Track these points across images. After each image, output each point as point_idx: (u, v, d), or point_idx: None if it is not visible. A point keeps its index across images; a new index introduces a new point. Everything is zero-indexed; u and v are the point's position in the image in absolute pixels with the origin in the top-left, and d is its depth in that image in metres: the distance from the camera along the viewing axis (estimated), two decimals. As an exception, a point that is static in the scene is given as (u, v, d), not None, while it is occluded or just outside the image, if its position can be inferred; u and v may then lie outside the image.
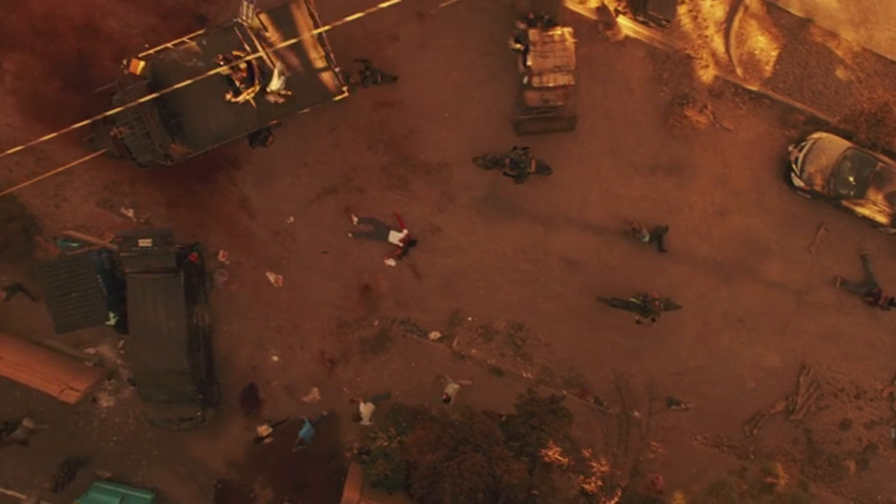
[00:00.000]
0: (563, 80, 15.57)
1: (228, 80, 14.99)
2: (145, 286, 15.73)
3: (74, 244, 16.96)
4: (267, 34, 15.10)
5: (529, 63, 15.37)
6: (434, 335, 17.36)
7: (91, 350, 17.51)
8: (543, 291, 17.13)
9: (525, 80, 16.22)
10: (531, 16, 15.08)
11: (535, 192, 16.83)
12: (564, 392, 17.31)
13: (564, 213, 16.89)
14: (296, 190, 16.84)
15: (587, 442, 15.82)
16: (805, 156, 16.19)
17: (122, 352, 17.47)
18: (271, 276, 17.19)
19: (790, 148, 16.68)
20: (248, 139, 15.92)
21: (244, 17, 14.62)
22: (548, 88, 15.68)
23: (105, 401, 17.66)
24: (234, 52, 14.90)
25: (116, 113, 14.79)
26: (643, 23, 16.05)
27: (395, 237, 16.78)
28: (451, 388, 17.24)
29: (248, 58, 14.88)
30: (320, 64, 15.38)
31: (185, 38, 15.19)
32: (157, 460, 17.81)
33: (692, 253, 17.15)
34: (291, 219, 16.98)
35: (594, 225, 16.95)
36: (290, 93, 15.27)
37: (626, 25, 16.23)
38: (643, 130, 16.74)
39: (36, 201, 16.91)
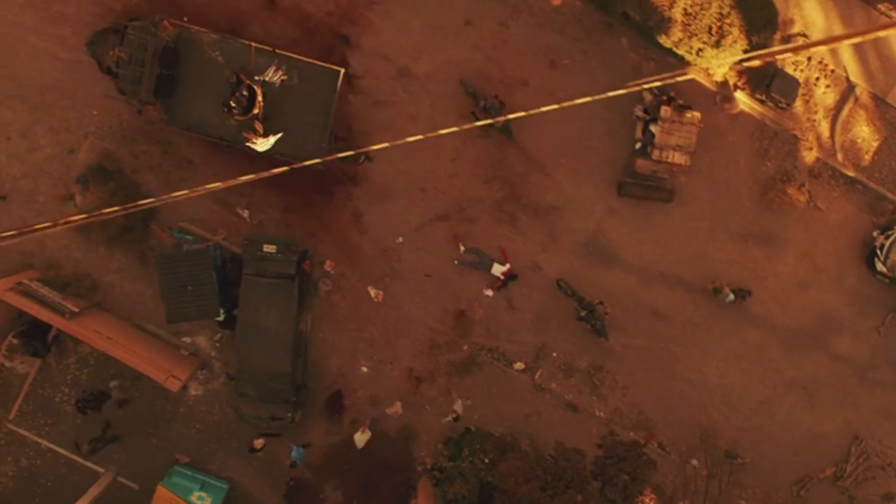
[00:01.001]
0: (680, 159, 16.51)
1: (231, 92, 15.65)
2: (261, 289, 16.32)
3: (189, 237, 17.48)
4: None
5: (654, 135, 16.24)
6: (519, 366, 18.19)
7: (187, 339, 18.07)
8: (625, 336, 18.03)
9: (638, 145, 17.11)
10: (671, 94, 15.95)
11: (633, 244, 17.78)
12: (632, 434, 18.36)
13: (658, 268, 17.82)
14: (409, 212, 17.54)
15: (659, 486, 16.84)
16: (891, 244, 17.31)
17: (216, 345, 18.08)
18: (372, 291, 17.87)
19: (876, 234, 17.77)
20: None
21: (269, 76, 15.68)
22: (662, 162, 16.62)
23: (194, 389, 18.23)
24: (245, 81, 15.60)
25: (127, 40, 15.53)
26: (760, 101, 17.00)
27: (497, 269, 17.54)
28: (459, 407, 18.10)
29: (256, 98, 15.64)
30: (315, 130, 15.97)
31: (225, 35, 15.91)
32: (235, 452, 18.43)
33: (770, 319, 18.19)
34: (400, 239, 17.68)
35: (684, 282, 17.90)
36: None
37: (742, 101, 17.18)
38: (742, 200, 17.72)
39: (157, 190, 17.33)
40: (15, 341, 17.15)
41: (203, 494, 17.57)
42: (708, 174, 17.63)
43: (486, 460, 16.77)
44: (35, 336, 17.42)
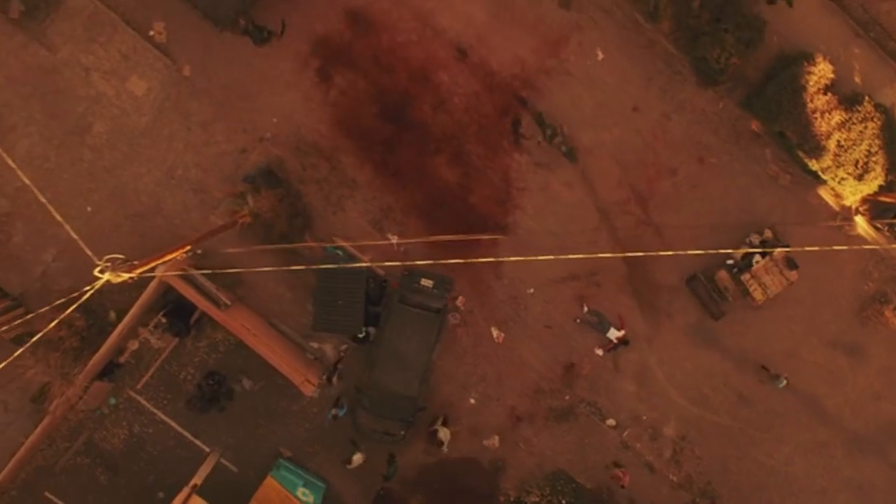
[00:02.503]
0: (758, 295, 18.25)
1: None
2: (409, 318, 17.61)
3: (339, 252, 18.62)
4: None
5: (752, 266, 17.96)
6: (611, 422, 19.68)
7: (315, 345, 19.21)
8: (712, 415, 19.68)
9: (730, 262, 18.66)
10: (789, 244, 17.88)
11: (736, 335, 19.39)
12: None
13: (752, 357, 19.48)
14: (546, 268, 18.86)
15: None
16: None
17: (341, 354, 19.27)
18: (495, 332, 19.19)
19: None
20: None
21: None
22: (741, 287, 18.33)
23: (311, 392, 19.38)
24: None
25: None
26: (876, 228, 18.76)
27: (612, 334, 19.00)
28: (444, 434, 19.35)
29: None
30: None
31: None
32: (335, 456, 19.63)
33: (840, 420, 19.97)
34: (532, 290, 19.04)
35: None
36: None
37: (861, 225, 18.91)
38: (840, 311, 19.46)
39: (318, 204, 18.51)
40: (164, 320, 18.14)
41: (307, 491, 18.75)
42: (814, 282, 19.34)
43: (549, 492, 18.28)
44: (179, 317, 18.45)
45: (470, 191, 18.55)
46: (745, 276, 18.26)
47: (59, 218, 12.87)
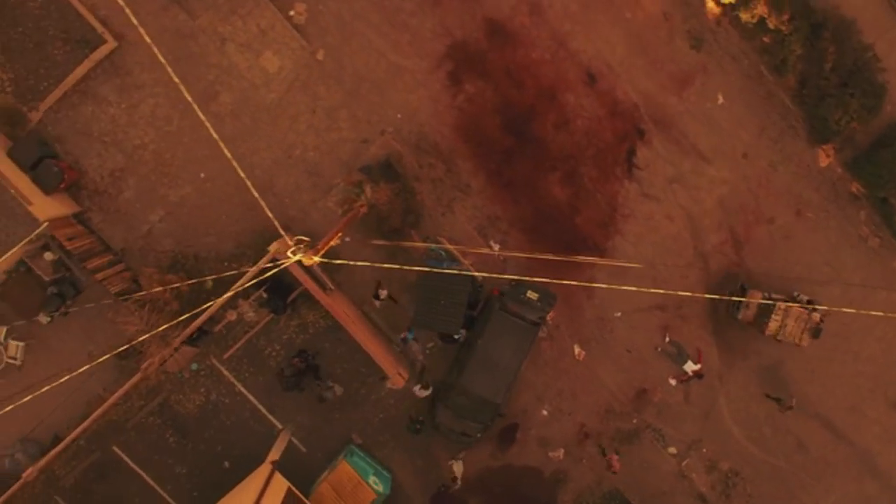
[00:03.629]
0: (773, 326, 18.50)
1: None
2: (507, 326, 18.05)
3: (442, 252, 19.00)
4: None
5: (789, 304, 18.47)
6: (672, 450, 20.35)
7: (408, 335, 19.59)
8: (768, 456, 20.42)
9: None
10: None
11: (804, 382, 20.14)
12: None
13: (816, 408, 20.25)
14: (635, 294, 19.41)
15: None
16: None
17: (426, 351, 19.66)
18: (577, 349, 19.75)
19: None
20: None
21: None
22: (766, 311, 18.62)
23: (391, 384, 19.69)
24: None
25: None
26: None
27: (689, 366, 19.63)
28: (458, 469, 20.01)
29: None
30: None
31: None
32: (404, 448, 20.10)
33: (890, 480, 20.77)
34: (619, 314, 19.63)
35: (832, 426, 20.36)
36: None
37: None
38: (906, 375, 20.42)
39: (429, 203, 18.89)
40: (265, 295, 18.37)
41: (377, 480, 19.13)
42: (888, 344, 20.19)
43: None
44: (279, 295, 18.70)
45: (577, 211, 19.07)
46: (779, 306, 18.50)
47: (255, 193, 13.13)
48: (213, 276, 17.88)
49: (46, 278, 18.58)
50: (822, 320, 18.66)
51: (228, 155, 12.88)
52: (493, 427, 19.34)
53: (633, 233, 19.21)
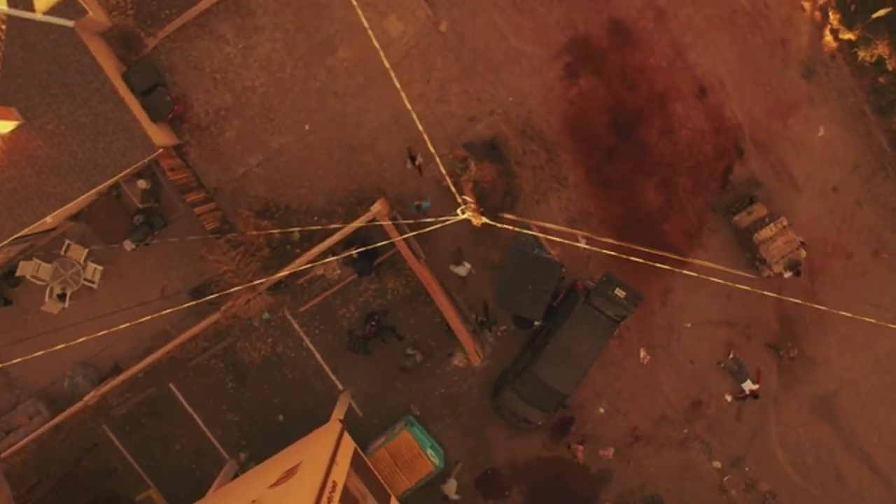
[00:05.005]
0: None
1: None
2: (590, 319, 18.32)
3: (531, 239, 19.17)
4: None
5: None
6: (716, 464, 20.77)
7: (473, 317, 19.75)
8: (806, 483, 20.93)
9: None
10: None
11: (855, 417, 20.69)
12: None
13: (861, 443, 20.80)
14: (707, 309, 19.89)
15: None
16: None
17: (498, 334, 19.84)
18: (642, 353, 20.08)
19: None
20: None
21: None
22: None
23: (458, 360, 19.90)
24: None
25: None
26: None
27: (748, 385, 20.09)
28: (451, 488, 20.15)
29: None
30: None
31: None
32: (459, 425, 20.30)
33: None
34: (689, 324, 19.99)
35: (873, 463, 20.90)
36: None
37: None
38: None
39: (527, 188, 19.12)
40: (355, 255, 18.39)
41: (433, 453, 19.27)
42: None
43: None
44: (366, 257, 18.74)
45: (666, 218, 19.41)
46: (781, 220, 18.43)
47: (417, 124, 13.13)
48: (318, 227, 17.91)
49: (140, 206, 18.48)
50: (801, 263, 18.91)
51: (398, 84, 12.81)
52: (553, 417, 19.68)
53: (715, 247, 19.58)
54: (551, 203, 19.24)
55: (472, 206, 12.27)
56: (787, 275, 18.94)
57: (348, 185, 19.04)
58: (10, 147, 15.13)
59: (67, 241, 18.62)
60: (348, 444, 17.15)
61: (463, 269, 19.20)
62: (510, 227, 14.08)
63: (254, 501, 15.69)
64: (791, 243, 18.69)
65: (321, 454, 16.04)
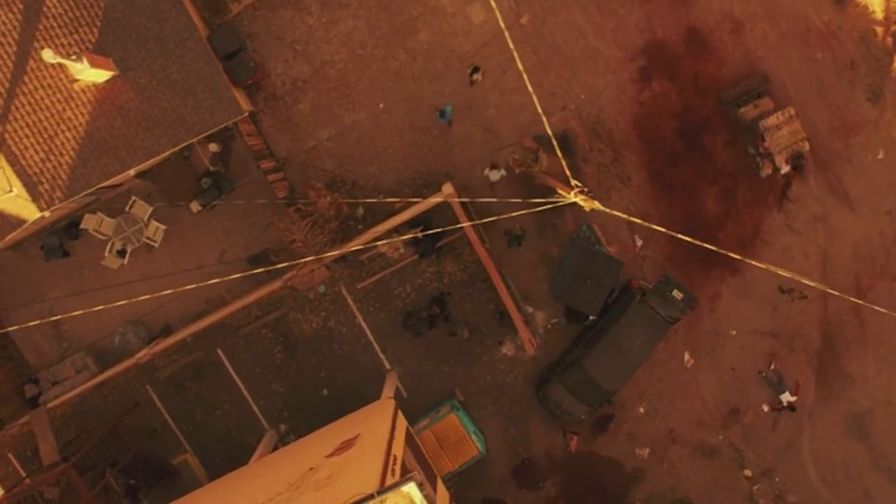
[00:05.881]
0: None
1: None
2: (646, 318, 18.61)
3: (591, 235, 19.46)
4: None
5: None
6: (747, 472, 21.12)
7: (530, 309, 20.00)
8: (833, 498, 21.26)
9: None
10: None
11: (889, 438, 21.10)
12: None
13: (891, 462, 21.13)
14: (754, 318, 20.24)
15: None
16: None
17: (548, 326, 20.10)
18: (686, 356, 20.40)
19: None
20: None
21: None
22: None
23: (507, 349, 20.12)
24: None
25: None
26: None
27: (786, 397, 20.47)
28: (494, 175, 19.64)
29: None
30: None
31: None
32: (501, 414, 20.48)
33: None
34: (734, 332, 20.34)
35: (898, 479, 21.54)
36: None
37: None
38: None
39: (590, 184, 19.33)
40: (420, 236, 18.57)
41: (476, 438, 19.45)
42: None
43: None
44: (430, 239, 18.92)
45: (722, 227, 19.76)
46: (789, 109, 18.24)
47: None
48: (396, 200, 18.11)
49: (212, 168, 18.56)
50: (804, 157, 18.80)
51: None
52: (596, 413, 19.94)
53: (768, 259, 19.92)
54: (613, 201, 19.53)
55: (584, 189, 12.51)
56: (787, 169, 18.70)
57: (416, 167, 19.24)
58: (103, 97, 15.19)
59: (134, 198, 18.70)
60: (402, 422, 17.30)
61: (496, 174, 19.04)
62: (620, 215, 14.27)
63: (311, 469, 15.84)
64: (796, 134, 18.58)
65: (380, 428, 16.18)
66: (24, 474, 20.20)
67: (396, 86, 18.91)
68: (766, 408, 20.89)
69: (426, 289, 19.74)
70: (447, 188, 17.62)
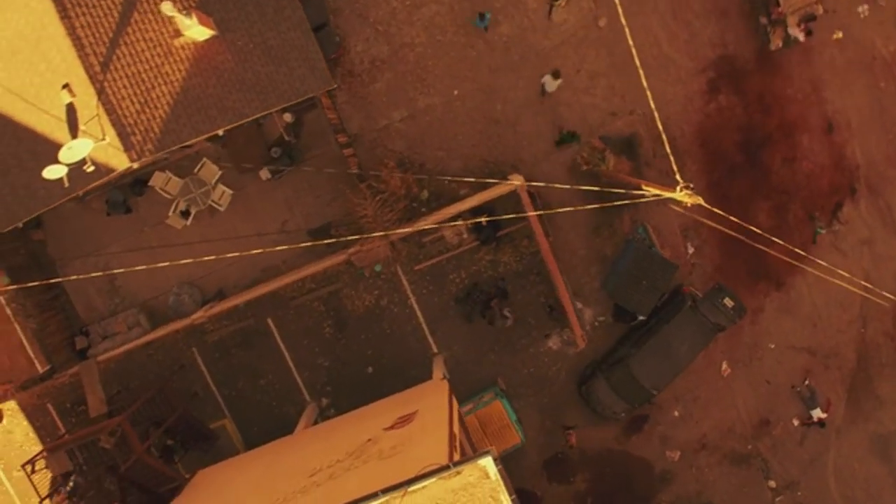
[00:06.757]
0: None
1: None
2: (694, 323, 19.05)
3: (646, 238, 19.86)
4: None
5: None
6: (771, 484, 21.65)
7: (579, 305, 20.34)
8: (849, 513, 22.08)
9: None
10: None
11: (908, 459, 21.86)
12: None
13: (911, 487, 22.01)
14: (793, 333, 20.82)
15: None
16: None
17: (595, 323, 20.47)
18: (724, 365, 20.91)
19: None
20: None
21: None
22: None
23: (553, 343, 20.45)
24: None
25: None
26: None
27: (816, 413, 21.04)
28: (551, 85, 19.44)
29: None
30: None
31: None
32: (540, 406, 20.81)
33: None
34: (773, 346, 20.91)
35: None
36: None
37: None
38: None
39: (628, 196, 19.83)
40: (484, 223, 18.85)
41: (517, 427, 19.73)
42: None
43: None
44: (492, 227, 19.21)
45: (772, 243, 20.32)
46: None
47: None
48: (472, 179, 18.31)
49: (287, 138, 18.72)
50: (816, 19, 18.67)
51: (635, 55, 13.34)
52: (635, 412, 20.35)
53: (813, 276, 20.53)
54: (668, 207, 19.94)
55: (689, 185, 12.97)
56: (799, 34, 18.51)
57: (483, 156, 19.55)
58: (200, 56, 15.34)
59: (204, 159, 18.82)
60: (455, 403, 17.57)
61: (553, 85, 19.12)
62: (723, 213, 14.62)
63: (369, 440, 16.03)
64: None
65: (439, 406, 16.41)
66: (61, 425, 20.26)
67: (472, 74, 19.21)
68: (796, 422, 21.45)
69: (481, 276, 19.98)
70: (518, 179, 17.96)
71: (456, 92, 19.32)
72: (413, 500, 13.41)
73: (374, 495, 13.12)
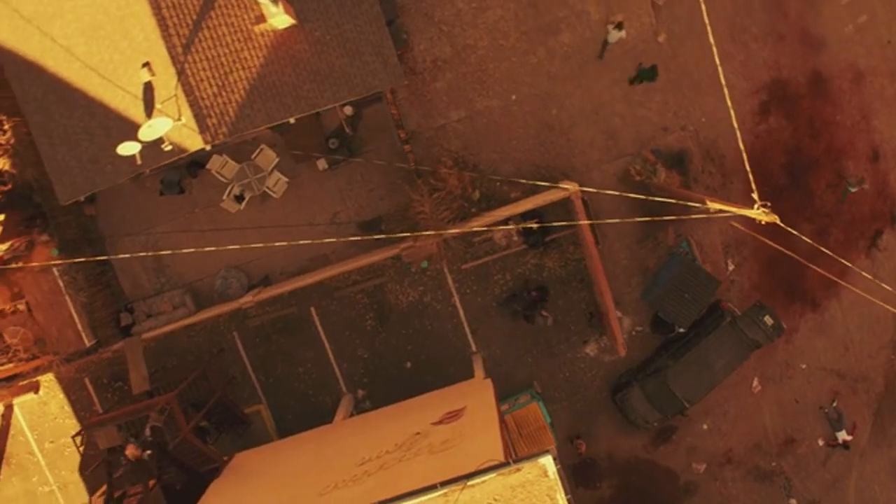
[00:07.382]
0: None
1: None
2: (732, 338, 19.38)
3: (689, 251, 20.17)
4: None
5: None
6: (793, 502, 22.00)
7: (618, 314, 20.59)
8: (864, 535, 22.45)
9: None
10: None
11: (925, 485, 22.26)
12: None
13: (925, 511, 22.40)
14: (825, 354, 21.21)
15: None
16: None
17: (633, 332, 20.74)
18: (755, 382, 21.25)
19: None
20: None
21: None
22: None
23: (590, 349, 20.72)
24: None
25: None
26: None
27: (842, 435, 21.42)
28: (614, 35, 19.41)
29: None
30: None
31: None
32: (574, 409, 21.08)
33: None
34: (804, 366, 21.29)
35: (928, 530, 22.54)
36: None
37: None
38: None
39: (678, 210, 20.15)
40: (535, 228, 19.09)
41: (551, 430, 19.96)
42: None
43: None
44: (541, 231, 19.46)
45: (820, 260, 20.70)
46: None
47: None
48: (526, 181, 18.58)
49: (347, 129, 18.91)
50: None
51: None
52: (667, 423, 20.63)
53: (848, 300, 20.97)
54: (713, 224, 20.32)
55: (766, 204, 13.33)
56: None
57: (536, 161, 19.81)
58: (279, 43, 15.52)
59: (262, 146, 18.98)
60: (497, 402, 17.80)
61: (616, 35, 19.06)
62: (795, 233, 14.90)
63: (418, 433, 16.23)
64: None
65: (487, 404, 16.66)
66: (96, 401, 20.32)
67: (531, 80, 19.48)
68: (821, 442, 21.83)
69: (524, 279, 20.27)
70: (573, 186, 18.23)
71: (514, 97, 19.57)
72: (471, 494, 13.65)
73: (433, 487, 13.38)
